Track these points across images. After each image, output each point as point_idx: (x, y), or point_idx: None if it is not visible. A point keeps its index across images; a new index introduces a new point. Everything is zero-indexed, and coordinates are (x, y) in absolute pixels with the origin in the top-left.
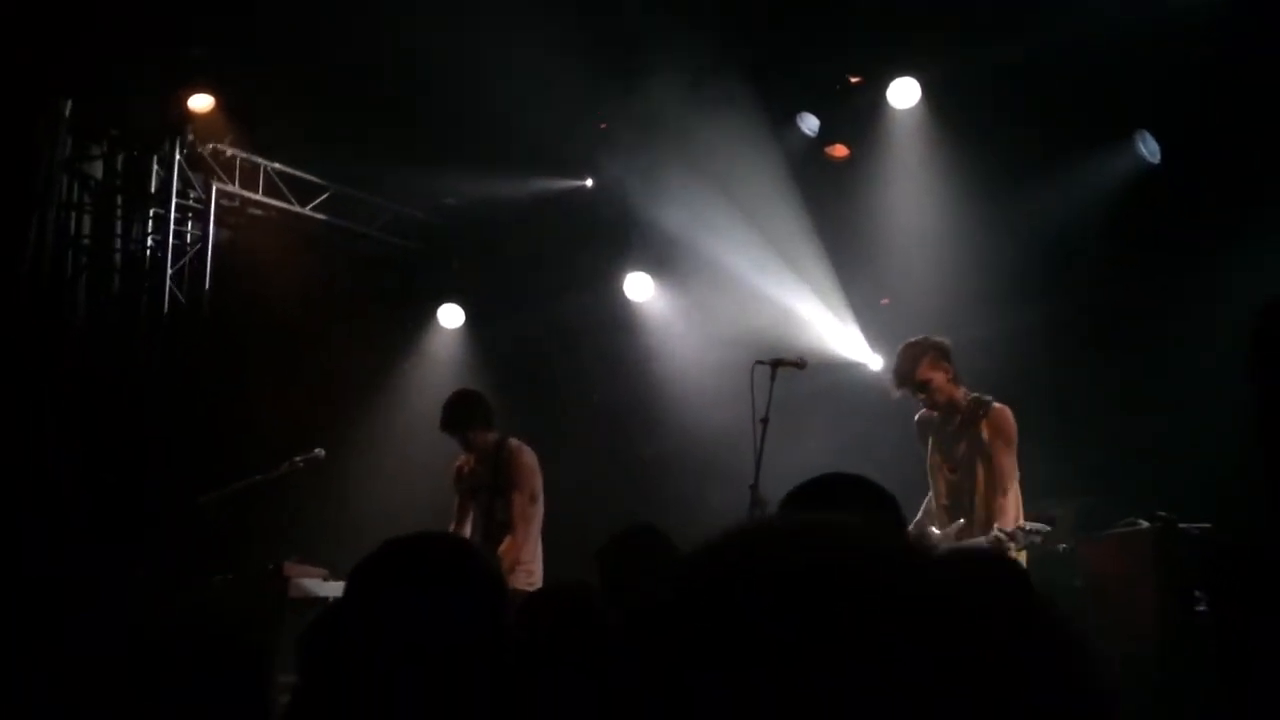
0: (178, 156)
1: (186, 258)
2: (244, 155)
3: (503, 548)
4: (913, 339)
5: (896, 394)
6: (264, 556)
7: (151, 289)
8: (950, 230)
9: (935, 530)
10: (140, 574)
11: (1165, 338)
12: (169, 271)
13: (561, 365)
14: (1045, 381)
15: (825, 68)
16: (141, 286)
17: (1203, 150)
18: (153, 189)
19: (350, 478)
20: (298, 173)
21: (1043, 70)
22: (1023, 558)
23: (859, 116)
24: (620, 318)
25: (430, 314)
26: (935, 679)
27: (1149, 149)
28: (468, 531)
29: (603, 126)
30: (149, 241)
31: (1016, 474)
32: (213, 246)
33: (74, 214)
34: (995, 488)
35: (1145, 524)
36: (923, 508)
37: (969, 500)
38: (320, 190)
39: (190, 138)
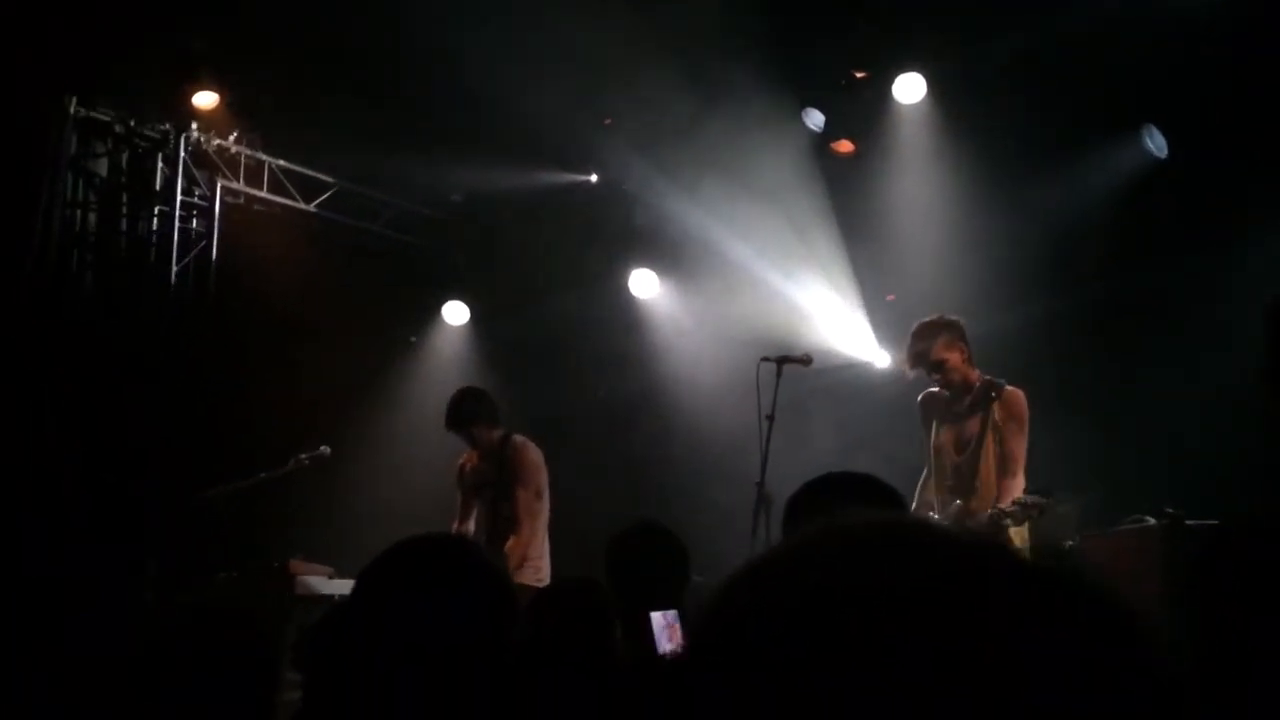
0: (182, 154)
1: (191, 255)
2: (248, 152)
3: (509, 544)
4: (928, 318)
5: (911, 374)
6: (269, 554)
7: (156, 286)
8: (956, 226)
9: (935, 515)
10: (144, 572)
11: (1172, 333)
12: (174, 269)
13: (566, 362)
14: (1051, 376)
15: (831, 63)
16: (146, 284)
17: (1209, 145)
18: (157, 186)
19: (355, 475)
20: (302, 169)
21: (1048, 65)
22: (1023, 545)
23: (865, 112)
24: (625, 314)
25: (435, 311)
26: (935, 678)
27: (1156, 144)
28: (471, 529)
29: (607, 122)
30: (153, 239)
31: (1024, 459)
32: (217, 244)
33: (79, 211)
34: (1004, 470)
35: (1152, 521)
36: (916, 495)
37: (973, 482)
38: (325, 187)
39: (195, 135)
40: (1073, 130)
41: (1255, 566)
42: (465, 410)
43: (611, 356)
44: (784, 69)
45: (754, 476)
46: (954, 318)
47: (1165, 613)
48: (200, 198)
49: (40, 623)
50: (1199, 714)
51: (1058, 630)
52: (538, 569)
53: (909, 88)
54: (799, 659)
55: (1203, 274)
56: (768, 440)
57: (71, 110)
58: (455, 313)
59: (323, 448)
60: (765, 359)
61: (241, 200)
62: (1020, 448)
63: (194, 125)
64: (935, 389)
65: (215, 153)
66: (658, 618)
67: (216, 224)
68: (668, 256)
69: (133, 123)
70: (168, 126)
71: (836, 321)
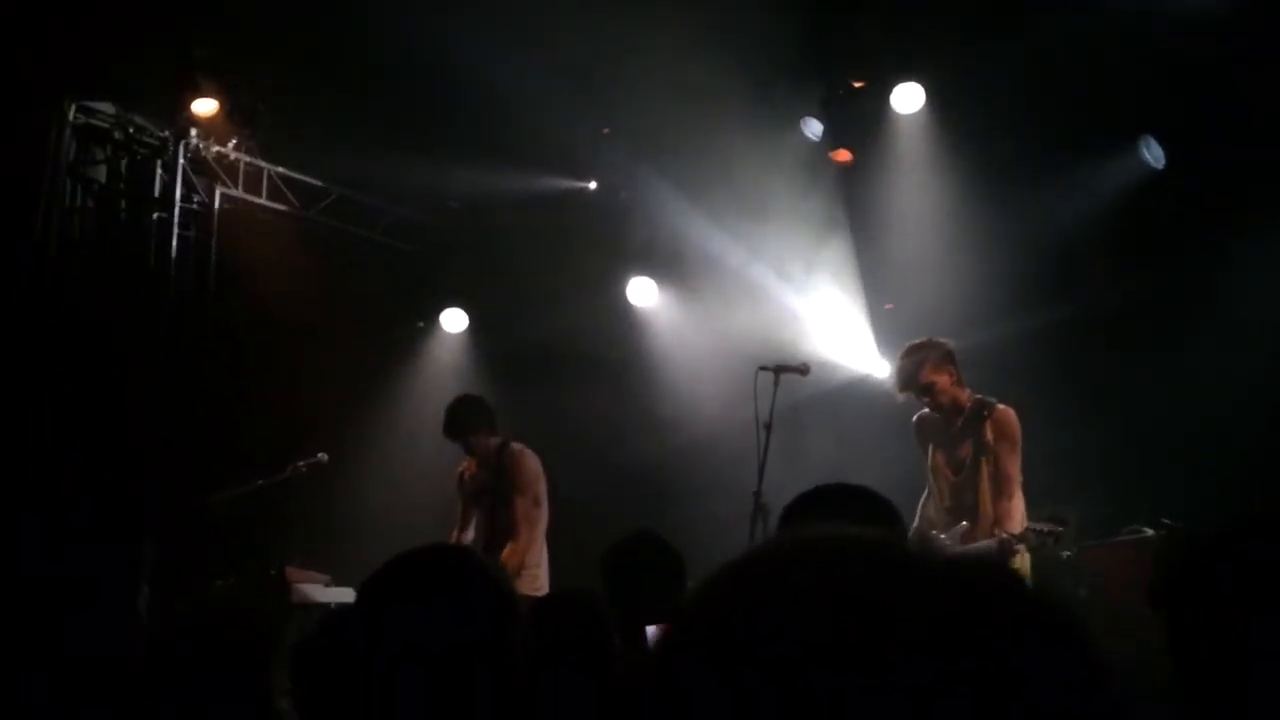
0: (181, 160)
1: (190, 261)
2: (247, 159)
3: (506, 552)
4: (916, 341)
5: (901, 397)
6: (266, 560)
7: (154, 293)
8: (954, 235)
9: (940, 535)
10: (142, 575)
11: (1170, 340)
12: (172, 275)
13: (564, 370)
14: (1049, 387)
15: (829, 72)
16: (144, 290)
17: (1207, 156)
18: (156, 192)
19: (353, 482)
20: (301, 176)
21: (1046, 75)
22: (1025, 563)
23: (863, 121)
24: (623, 323)
25: (434, 318)
26: (935, 689)
27: (1153, 154)
28: (471, 537)
29: (605, 131)
30: (152, 245)
31: (1020, 477)
32: (216, 250)
33: (77, 217)
34: (1000, 490)
35: (1150, 532)
36: (918, 512)
37: (971, 502)
38: (324, 194)
39: (194, 141)
40: (1070, 141)
41: (1248, 570)
42: (463, 418)
43: (609, 365)
44: (783, 78)
45: (752, 485)
46: (941, 340)
47: (1161, 622)
48: (199, 204)
49: (39, 623)
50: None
51: (1037, 645)
52: (535, 578)
53: (907, 97)
54: (792, 657)
55: (1200, 282)
56: (765, 450)
57: (70, 116)
58: (453, 320)
59: (320, 455)
60: (763, 368)
61: (240, 207)
62: (1014, 467)
63: (193, 131)
64: (927, 410)
65: (214, 159)
66: (654, 631)
67: (215, 230)
68: (666, 265)
69: (132, 129)
70: (167, 133)
71: (835, 331)
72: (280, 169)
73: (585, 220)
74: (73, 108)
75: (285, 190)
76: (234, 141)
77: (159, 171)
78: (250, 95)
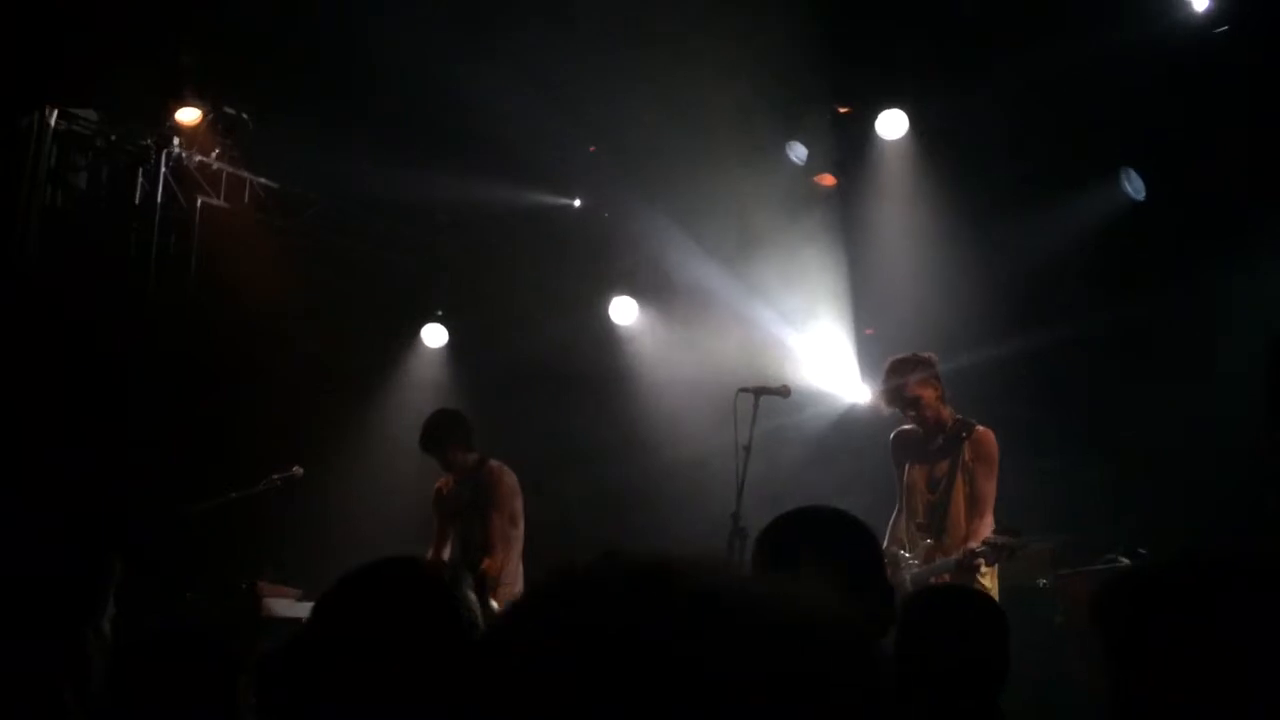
0: (163, 169)
1: (169, 270)
2: (230, 169)
3: (483, 568)
4: (902, 355)
5: (886, 411)
6: (237, 574)
7: (132, 300)
8: (935, 261)
9: (905, 554)
10: (107, 591)
11: (1149, 372)
12: (151, 284)
13: (544, 387)
14: (1025, 415)
15: (815, 97)
16: (122, 298)
17: (1187, 188)
18: (137, 201)
19: (328, 495)
20: (284, 187)
21: (1029, 105)
22: (994, 585)
23: (847, 146)
24: (604, 341)
25: (414, 332)
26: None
27: (1134, 186)
28: (447, 553)
29: (591, 150)
30: (131, 253)
31: (994, 498)
32: (196, 260)
33: (57, 223)
34: (974, 510)
35: (1125, 561)
36: (889, 530)
37: (944, 521)
38: (306, 205)
39: (177, 150)
40: (1053, 170)
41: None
42: (440, 432)
43: (589, 383)
44: (768, 102)
45: (729, 507)
46: (927, 355)
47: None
48: (180, 214)
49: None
50: None
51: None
52: (510, 595)
53: (891, 124)
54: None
55: (1181, 312)
56: (744, 471)
57: (52, 122)
58: (434, 335)
59: (295, 468)
60: (743, 390)
61: (221, 216)
62: (990, 488)
63: (176, 140)
64: (907, 427)
65: (196, 168)
66: None
67: (196, 239)
68: (648, 285)
69: (114, 136)
70: (149, 141)
71: (816, 355)
72: (263, 180)
73: (568, 238)
74: (55, 114)
75: (267, 201)
76: (216, 151)
77: (140, 179)
78: (234, 105)
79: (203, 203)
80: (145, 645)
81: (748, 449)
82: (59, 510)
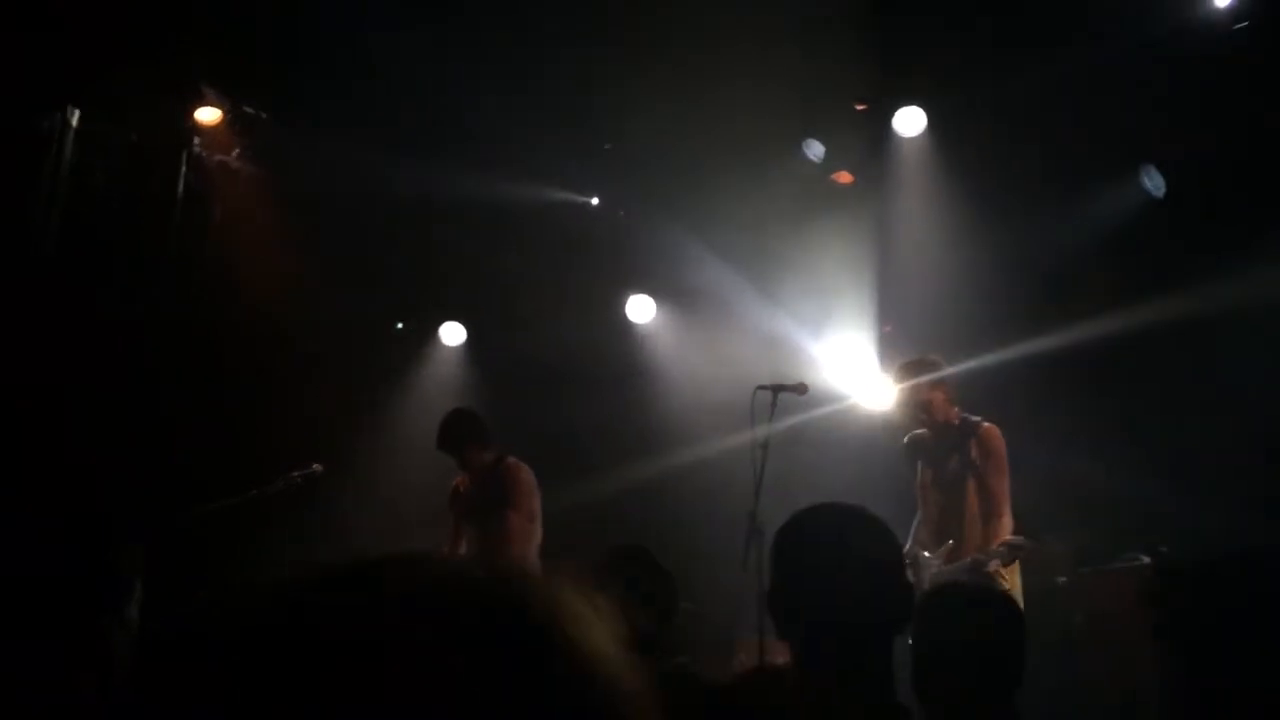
0: (183, 169)
1: (190, 270)
2: (250, 168)
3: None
4: (911, 358)
5: (896, 413)
6: (256, 571)
7: (151, 300)
8: (953, 259)
9: (927, 554)
10: (132, 580)
11: (1168, 371)
12: (170, 282)
13: (561, 385)
14: (1047, 412)
15: (832, 94)
16: (141, 298)
17: (1208, 186)
18: (156, 201)
19: (347, 493)
20: (303, 186)
21: (1048, 102)
22: (1015, 582)
23: (865, 143)
24: (621, 339)
25: (432, 331)
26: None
27: (1154, 183)
28: (462, 551)
29: (607, 147)
30: (150, 253)
31: (1008, 496)
32: (215, 259)
33: (76, 224)
34: (990, 510)
35: (1147, 560)
36: (911, 533)
37: (957, 522)
38: (324, 204)
39: (197, 150)
40: (1072, 167)
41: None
42: (457, 431)
43: (606, 381)
44: (786, 99)
45: (747, 505)
46: (935, 357)
47: (1157, 650)
48: (199, 212)
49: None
50: None
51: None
52: None
53: (909, 121)
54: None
55: (1200, 310)
56: (762, 468)
57: (73, 122)
58: (452, 333)
59: (315, 465)
60: (761, 387)
61: (240, 215)
62: (1001, 485)
63: (195, 140)
64: (919, 430)
65: (216, 168)
66: None
67: (215, 238)
68: (665, 283)
69: (134, 136)
70: (169, 141)
71: (833, 352)
72: (282, 178)
73: (585, 235)
74: (76, 114)
75: (287, 200)
76: (236, 151)
77: (161, 179)
78: (253, 104)
79: (222, 202)
80: (161, 641)
81: (765, 446)
82: (79, 502)
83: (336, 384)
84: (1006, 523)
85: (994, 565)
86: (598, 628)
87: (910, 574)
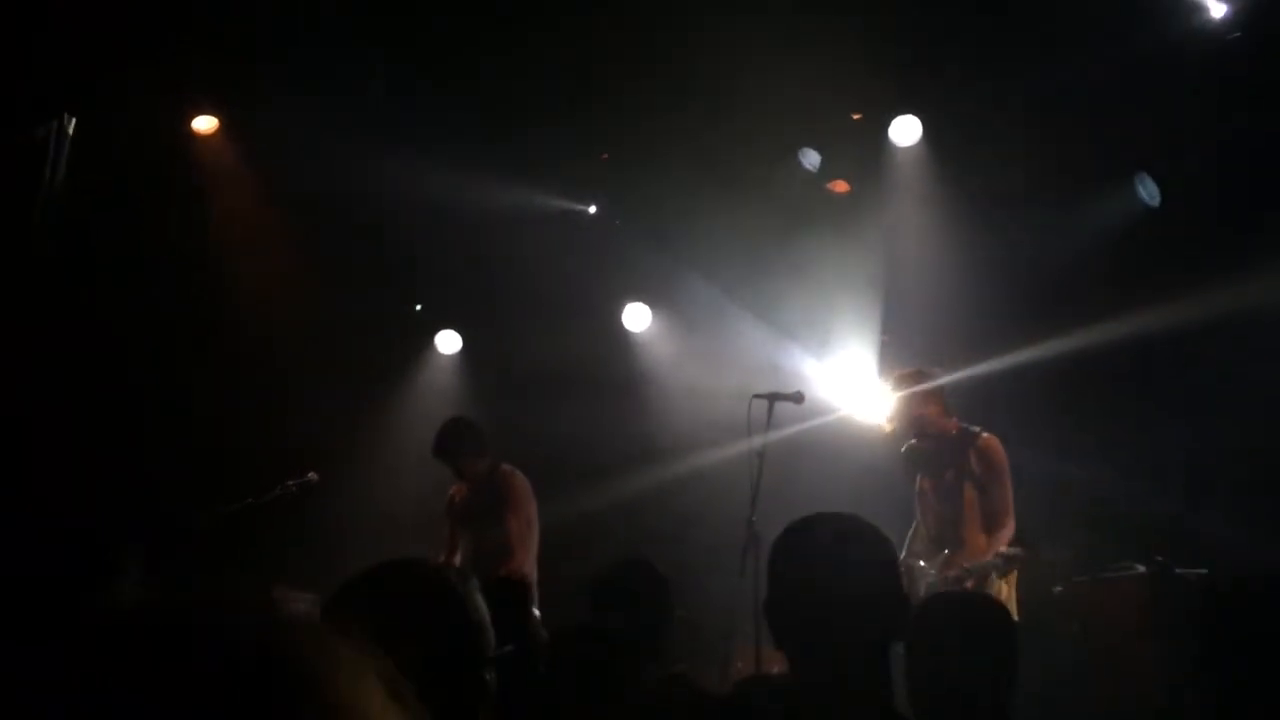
0: (178, 175)
1: (185, 277)
2: (246, 175)
3: (502, 573)
4: (906, 371)
5: (891, 425)
6: (253, 580)
7: (148, 308)
8: (950, 268)
9: (922, 564)
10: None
11: (1161, 380)
12: (168, 290)
13: (558, 394)
14: (1041, 420)
15: (828, 103)
16: (138, 305)
17: (1202, 194)
18: (153, 208)
19: (343, 502)
20: (299, 192)
21: (1043, 112)
22: (1010, 591)
23: (860, 152)
24: (618, 348)
25: (428, 339)
26: None
27: (1149, 191)
28: (458, 560)
29: (604, 157)
30: (147, 259)
31: (1012, 505)
32: (212, 266)
33: (74, 232)
34: (993, 520)
35: (1141, 568)
36: (906, 544)
37: (955, 532)
38: (322, 211)
39: (194, 157)
40: (1067, 176)
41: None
42: (453, 439)
43: (603, 389)
44: (782, 108)
45: (744, 513)
46: (930, 369)
47: (1151, 658)
48: (197, 219)
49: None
50: None
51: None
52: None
53: (905, 130)
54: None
55: (1195, 318)
56: (759, 477)
57: (70, 130)
58: (448, 341)
59: (310, 474)
60: (757, 396)
61: (237, 222)
62: (1004, 496)
63: (193, 147)
64: (916, 440)
65: (213, 174)
66: None
67: (212, 245)
68: (661, 291)
69: (130, 144)
70: (165, 149)
71: (830, 361)
72: (279, 184)
73: (582, 244)
74: (72, 121)
75: (283, 206)
76: (233, 157)
77: (157, 187)
78: (251, 110)
79: (219, 209)
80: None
81: (762, 455)
82: (73, 507)
83: (333, 392)
84: (1008, 533)
85: (995, 575)
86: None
87: (904, 584)
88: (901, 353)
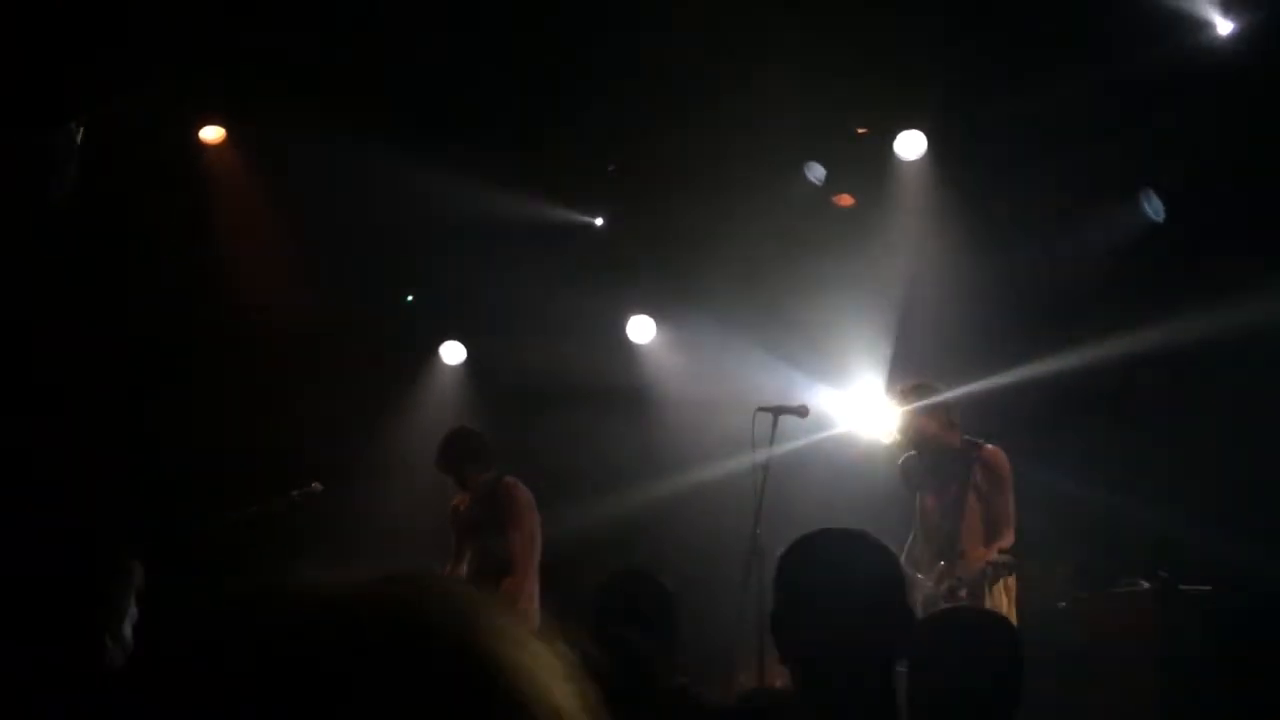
0: (186, 184)
1: (191, 287)
2: (255, 184)
3: (504, 585)
4: (911, 382)
5: (895, 439)
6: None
7: (154, 317)
8: (954, 282)
9: (920, 576)
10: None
11: (1168, 396)
12: (172, 299)
13: (562, 406)
14: (1045, 435)
15: (833, 117)
16: (144, 314)
17: (1207, 210)
18: (160, 215)
19: (347, 512)
20: (305, 202)
21: (1049, 126)
22: (1011, 607)
23: (866, 166)
24: (622, 360)
25: (432, 350)
26: None
27: (1153, 207)
28: (464, 571)
29: (611, 169)
30: (153, 266)
31: (1013, 515)
32: (218, 275)
33: (82, 239)
34: (995, 532)
35: (1145, 584)
36: (904, 555)
37: (954, 544)
38: (327, 221)
39: (200, 167)
40: (1072, 191)
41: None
42: (456, 450)
43: (607, 401)
44: (787, 122)
45: (748, 527)
46: (933, 382)
47: (1156, 673)
48: (204, 228)
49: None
50: None
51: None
52: (527, 614)
53: (910, 144)
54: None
55: (1200, 336)
56: (762, 490)
57: (78, 139)
58: (452, 352)
59: (314, 484)
60: (761, 409)
61: (244, 230)
62: (1007, 506)
63: (199, 157)
64: (918, 453)
65: (219, 185)
66: None
67: (218, 253)
68: (666, 304)
69: (137, 153)
70: (172, 158)
71: (835, 374)
72: (285, 194)
73: (587, 255)
74: (80, 130)
75: (289, 215)
76: (241, 166)
77: (163, 196)
78: (259, 120)
79: (226, 217)
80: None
81: (765, 468)
82: (73, 513)
83: (337, 402)
84: (1004, 543)
85: (985, 587)
86: (555, 682)
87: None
88: (905, 366)
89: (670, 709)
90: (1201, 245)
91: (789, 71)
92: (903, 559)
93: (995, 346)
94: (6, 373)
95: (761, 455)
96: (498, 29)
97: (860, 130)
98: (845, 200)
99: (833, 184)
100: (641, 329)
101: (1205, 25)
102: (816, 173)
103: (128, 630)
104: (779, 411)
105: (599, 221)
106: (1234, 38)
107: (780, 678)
